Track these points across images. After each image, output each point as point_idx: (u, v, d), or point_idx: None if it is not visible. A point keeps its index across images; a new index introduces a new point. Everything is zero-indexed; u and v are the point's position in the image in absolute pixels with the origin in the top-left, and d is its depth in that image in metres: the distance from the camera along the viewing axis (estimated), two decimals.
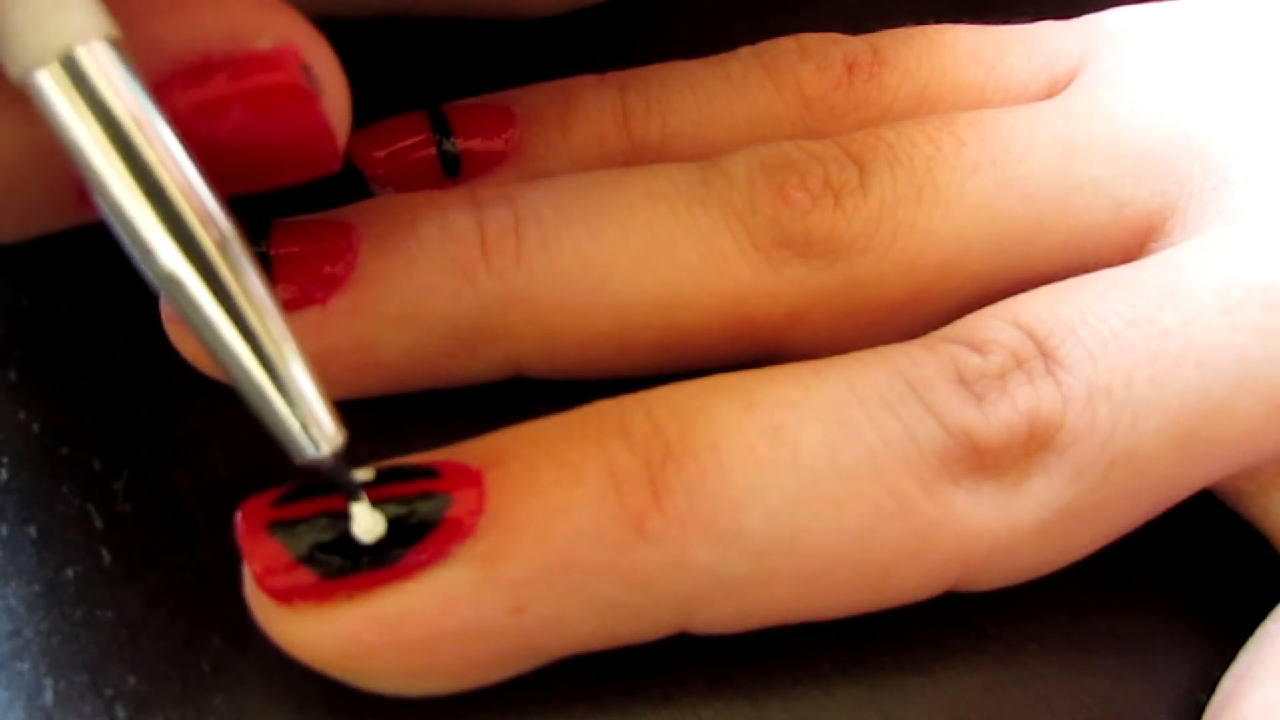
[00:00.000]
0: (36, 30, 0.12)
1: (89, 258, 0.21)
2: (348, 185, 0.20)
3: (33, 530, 0.17)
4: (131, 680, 0.16)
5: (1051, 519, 0.15)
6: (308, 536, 0.14)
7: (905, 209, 0.18)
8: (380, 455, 0.15)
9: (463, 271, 0.17)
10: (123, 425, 0.19)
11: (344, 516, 0.14)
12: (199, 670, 0.16)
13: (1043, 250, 0.18)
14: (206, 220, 0.13)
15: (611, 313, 0.18)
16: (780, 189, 0.18)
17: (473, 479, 0.15)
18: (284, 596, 0.14)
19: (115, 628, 0.16)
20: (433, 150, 0.20)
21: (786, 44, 0.21)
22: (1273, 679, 0.15)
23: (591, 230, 0.18)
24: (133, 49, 0.13)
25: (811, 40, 0.21)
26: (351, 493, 0.14)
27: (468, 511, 0.14)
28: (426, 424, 0.18)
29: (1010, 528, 0.15)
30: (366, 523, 0.14)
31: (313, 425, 0.14)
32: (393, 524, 0.14)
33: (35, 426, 0.19)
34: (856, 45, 0.21)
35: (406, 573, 0.14)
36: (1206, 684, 0.16)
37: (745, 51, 0.21)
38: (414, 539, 0.14)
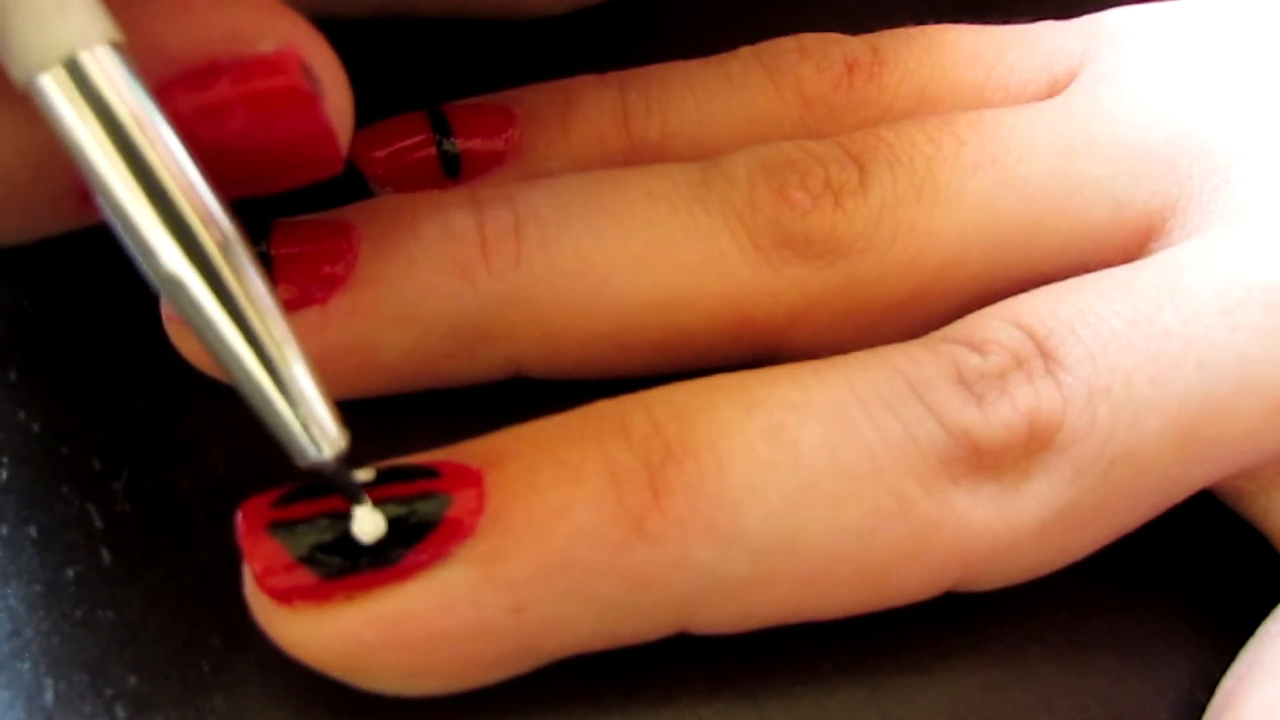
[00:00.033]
0: (39, 34, 0.12)
1: (89, 258, 0.21)
2: (348, 185, 0.20)
3: (33, 530, 0.17)
4: (131, 680, 0.16)
5: (1051, 519, 0.15)
6: (308, 537, 0.14)
7: (905, 209, 0.18)
8: (380, 455, 0.15)
9: (463, 271, 0.17)
10: (123, 425, 0.19)
11: (344, 517, 0.14)
12: (199, 670, 0.16)
13: (1043, 250, 0.18)
14: (209, 222, 0.13)
15: (611, 313, 0.18)
16: (780, 189, 0.18)
17: (473, 479, 0.15)
18: (284, 597, 0.14)
19: (115, 628, 0.16)
20: (433, 150, 0.20)
21: (786, 44, 0.21)
22: (1273, 679, 0.15)
23: (591, 230, 0.18)
24: (135, 53, 0.13)
25: (811, 40, 0.21)
26: (354, 495, 0.14)
27: (468, 511, 0.14)
28: (426, 424, 0.18)
29: (1010, 528, 0.15)
30: (368, 525, 0.14)
31: (315, 427, 0.14)
32: (393, 524, 0.14)
33: (35, 426, 0.19)
34: (856, 45, 0.21)
35: (406, 573, 0.14)
36: (1206, 684, 0.16)
37: (745, 51, 0.21)
38: (414, 539, 0.14)
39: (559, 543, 0.14)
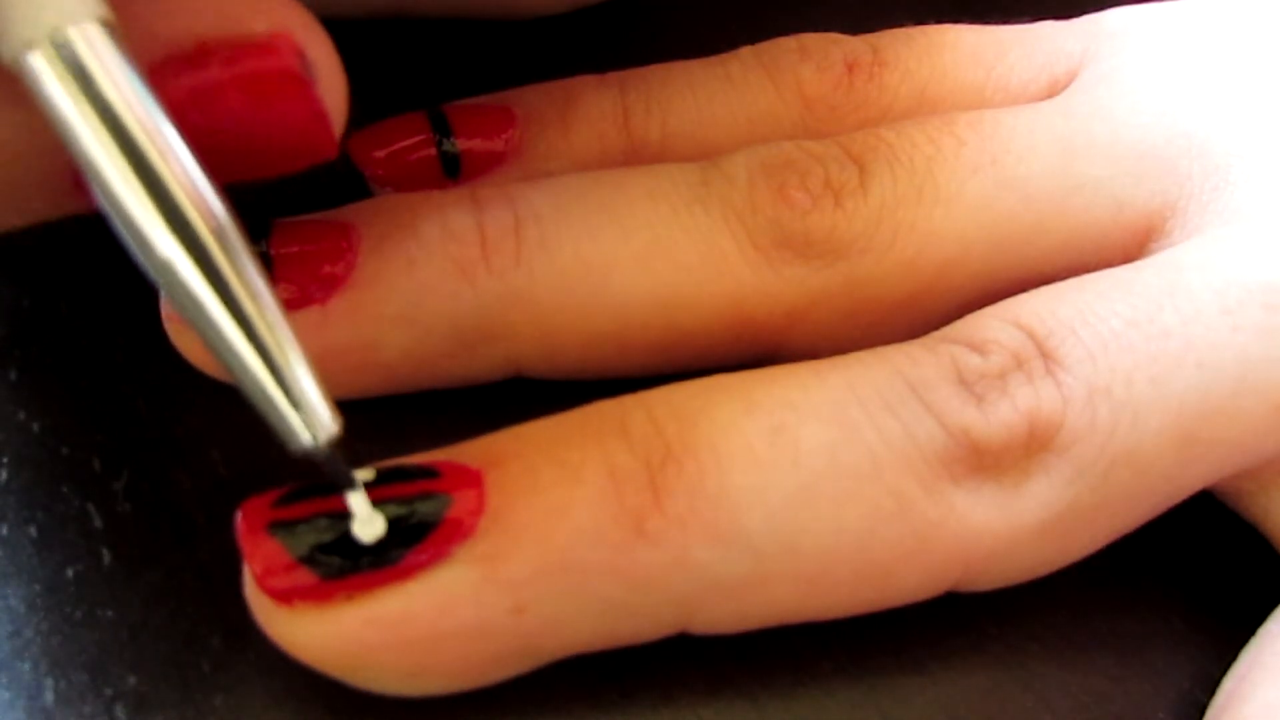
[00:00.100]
0: (28, 11, 0.12)
1: (89, 258, 0.21)
2: (348, 185, 0.20)
3: (33, 530, 0.17)
4: (131, 680, 0.16)
5: (1051, 519, 0.15)
6: (308, 537, 0.14)
7: (905, 209, 0.18)
8: (380, 455, 0.15)
9: (463, 271, 0.17)
10: (123, 425, 0.19)
11: (344, 517, 0.14)
12: (199, 670, 0.16)
13: (1043, 250, 0.18)
14: (201, 206, 0.13)
15: (611, 313, 0.18)
16: (780, 189, 0.18)
17: (473, 479, 0.15)
18: (284, 597, 0.14)
19: (115, 628, 0.16)
20: (433, 150, 0.20)
21: (787, 44, 0.21)
22: (1274, 679, 0.15)
23: (591, 230, 0.18)
24: (125, 34, 0.13)
25: (812, 40, 0.21)
26: (347, 483, 0.14)
27: (468, 512, 0.14)
28: (426, 424, 0.18)
29: (1010, 528, 0.15)
30: (364, 513, 0.14)
31: (309, 413, 0.13)
32: (393, 524, 0.14)
33: (35, 426, 0.19)
34: (857, 45, 0.21)
35: (407, 573, 0.14)
36: (1206, 684, 0.16)
37: (745, 51, 0.21)
38: (414, 539, 0.14)
39: (559, 543, 0.14)
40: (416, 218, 0.18)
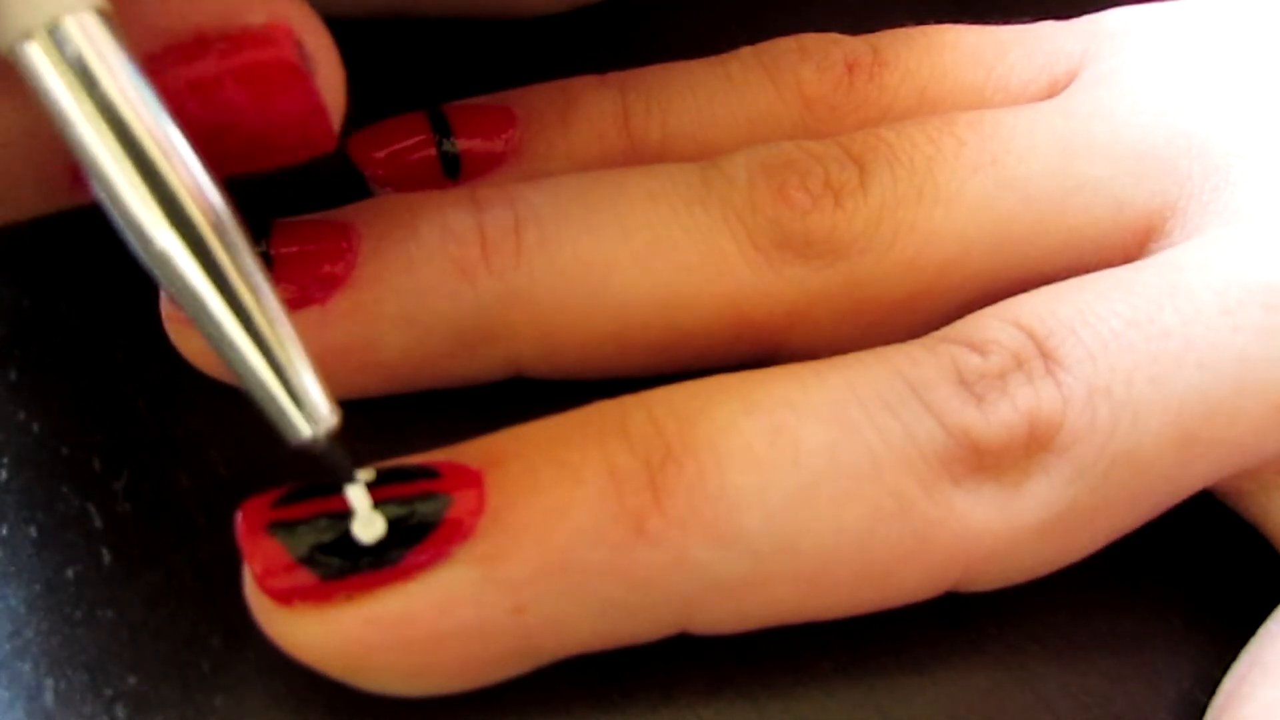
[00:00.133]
0: (25, 1, 0.12)
1: (89, 258, 0.21)
2: (348, 185, 0.20)
3: (33, 530, 0.17)
4: (131, 680, 0.16)
5: (1051, 519, 0.15)
6: (308, 537, 0.14)
7: (905, 209, 0.18)
8: (380, 455, 0.15)
9: (463, 272, 0.17)
10: (123, 425, 0.19)
11: (344, 517, 0.14)
12: (199, 670, 0.16)
13: (1043, 250, 0.18)
14: (199, 197, 0.13)
15: (611, 313, 0.18)
16: (780, 189, 0.18)
17: (473, 479, 0.15)
18: (284, 597, 0.14)
19: (115, 628, 0.16)
20: (433, 150, 0.20)
21: (787, 44, 0.21)
22: (1273, 679, 0.15)
23: (591, 230, 0.18)
24: (124, 24, 0.13)
25: (812, 40, 0.21)
26: (345, 475, 0.14)
27: (468, 512, 0.14)
28: (426, 424, 0.18)
29: (1010, 528, 0.15)
30: (363, 508, 0.14)
31: (307, 406, 0.13)
32: (393, 524, 0.14)
33: (35, 426, 0.19)
34: (857, 45, 0.21)
35: (407, 573, 0.14)
36: (1206, 684, 0.16)
37: (745, 51, 0.21)
38: (414, 540, 0.14)
39: (559, 543, 0.14)
40: (416, 218, 0.18)
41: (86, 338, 0.20)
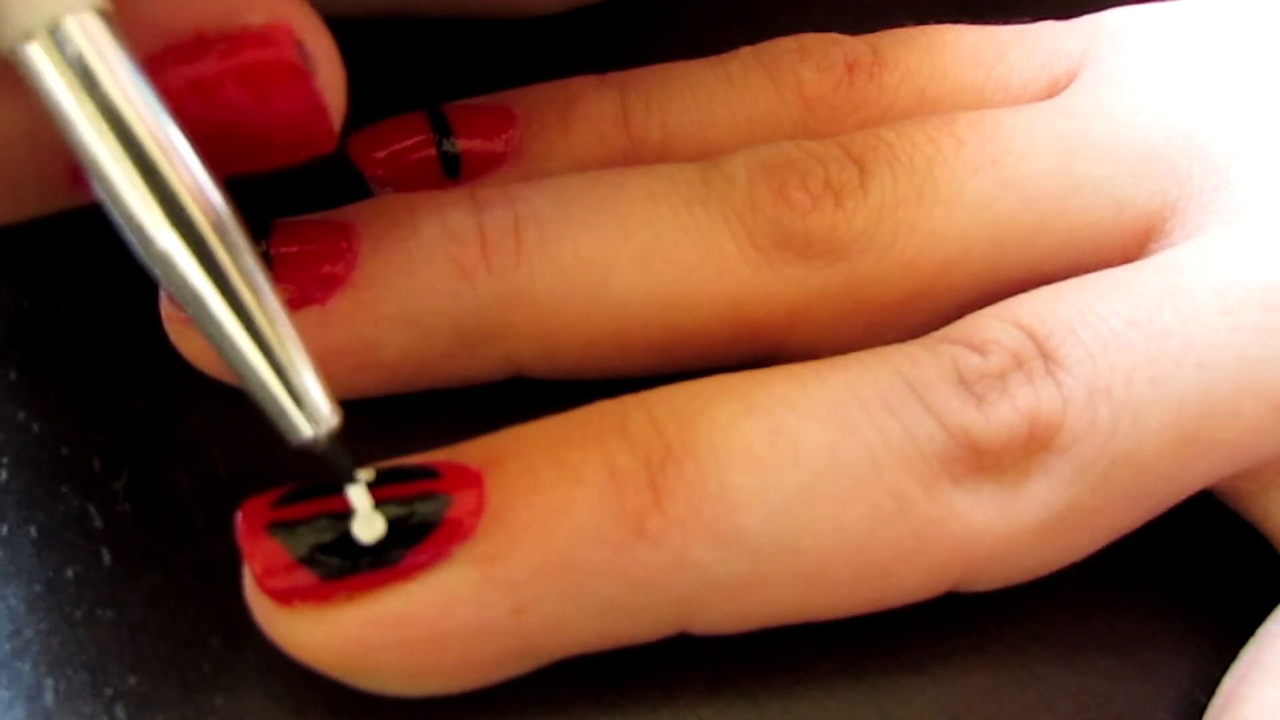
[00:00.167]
0: (26, 1, 0.12)
1: (89, 258, 0.21)
2: (348, 185, 0.20)
3: (33, 530, 0.17)
4: (131, 680, 0.16)
5: (1051, 519, 0.15)
6: (308, 537, 0.14)
7: (905, 209, 0.18)
8: (380, 455, 0.15)
9: (463, 272, 0.17)
10: (123, 425, 0.19)
11: (344, 517, 0.14)
12: (199, 670, 0.16)
13: (1043, 250, 0.18)
14: (200, 197, 0.13)
15: (611, 313, 0.18)
16: (780, 189, 0.18)
17: (473, 480, 0.15)
18: (284, 597, 0.14)
19: (115, 628, 0.16)
20: (433, 150, 0.20)
21: (787, 44, 0.21)
22: (1273, 679, 0.15)
23: (591, 230, 0.18)
24: (124, 24, 0.13)
25: (812, 40, 0.21)
26: (346, 475, 0.14)
27: (468, 512, 0.14)
28: (426, 424, 0.18)
29: (1010, 528, 0.15)
30: (364, 508, 0.14)
31: (308, 406, 0.13)
32: (393, 525, 0.14)
33: (35, 426, 0.19)
34: (857, 45, 0.21)
35: (407, 573, 0.14)
36: (1206, 684, 0.16)
37: (745, 51, 0.21)
38: (414, 540, 0.14)
39: (559, 543, 0.14)
40: (416, 218, 0.18)
41: (86, 338, 0.20)
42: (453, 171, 0.20)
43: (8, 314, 0.20)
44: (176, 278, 0.13)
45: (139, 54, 0.13)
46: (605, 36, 0.25)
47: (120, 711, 0.16)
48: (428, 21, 0.24)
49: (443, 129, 0.20)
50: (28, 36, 0.12)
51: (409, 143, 0.20)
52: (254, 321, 0.13)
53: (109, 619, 0.17)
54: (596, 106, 0.20)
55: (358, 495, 0.14)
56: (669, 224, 0.18)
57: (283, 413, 0.13)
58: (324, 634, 0.14)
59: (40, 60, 0.12)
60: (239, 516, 0.15)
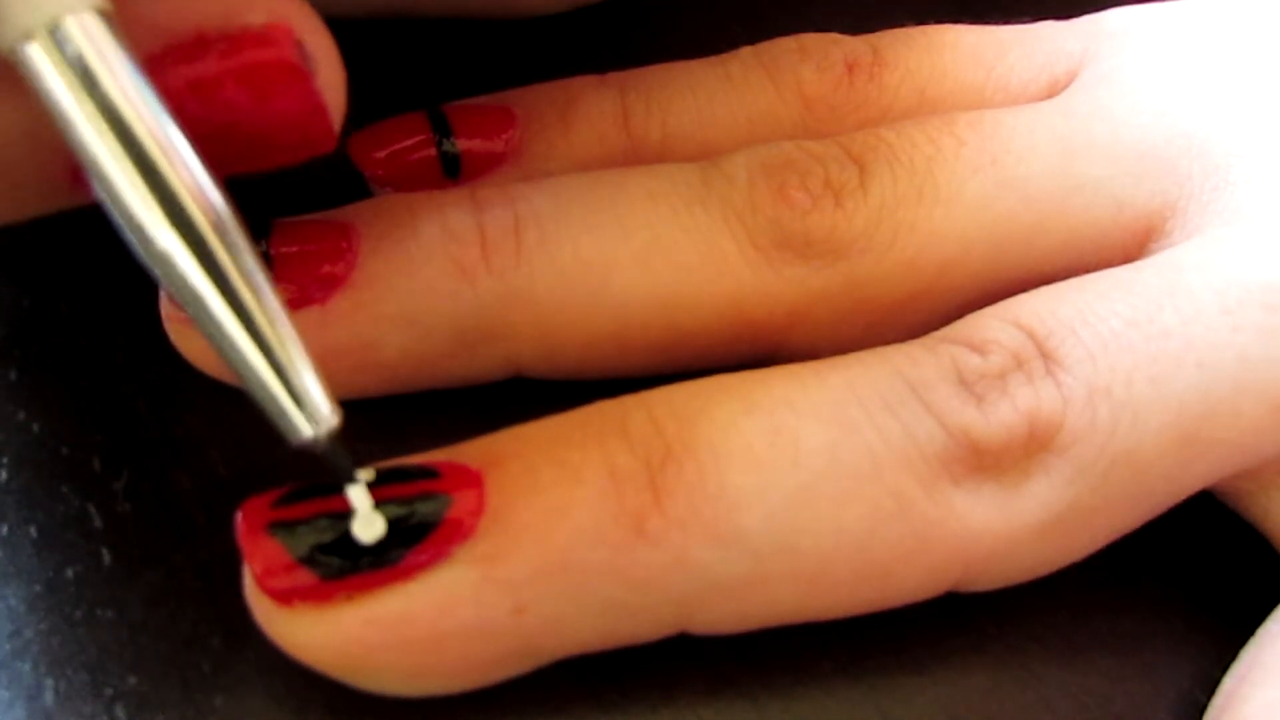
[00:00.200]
0: (25, 1, 0.12)
1: (89, 258, 0.21)
2: (348, 185, 0.20)
3: (33, 530, 0.17)
4: (131, 680, 0.16)
5: (1051, 519, 0.15)
6: (308, 537, 0.14)
7: (905, 209, 0.18)
8: (380, 455, 0.15)
9: (463, 272, 0.17)
10: (123, 425, 0.19)
11: (344, 517, 0.14)
12: (199, 670, 0.16)
13: (1043, 250, 0.18)
14: (200, 197, 0.13)
15: (611, 313, 0.18)
16: (780, 189, 0.18)
17: (473, 480, 0.15)
18: (284, 597, 0.14)
19: (115, 628, 0.16)
20: (433, 150, 0.20)
21: (787, 44, 0.21)
22: (1273, 679, 0.15)
23: (591, 230, 0.18)
24: (124, 24, 0.13)
25: (812, 40, 0.21)
26: (347, 476, 0.14)
27: (468, 512, 0.14)
28: (426, 424, 0.18)
29: (1010, 528, 0.15)
30: (364, 508, 0.14)
31: (309, 406, 0.13)
32: (393, 525, 0.14)
33: (35, 426, 0.19)
34: (857, 45, 0.21)
35: (407, 573, 0.14)
36: (1206, 684, 0.16)
37: (745, 52, 0.21)
38: (414, 540, 0.14)
39: (559, 543, 0.14)
40: (416, 218, 0.18)
41: (86, 338, 0.20)
42: (453, 171, 0.20)
43: (8, 314, 0.20)
44: (177, 278, 0.13)
45: (139, 54, 0.13)
46: (605, 36, 0.25)
47: (120, 711, 0.16)
48: (428, 21, 0.24)
49: (443, 129, 0.20)
50: (28, 36, 0.12)
51: (409, 143, 0.20)
52: (254, 322, 0.13)
53: (109, 619, 0.17)
54: (596, 106, 0.20)
55: (358, 495, 0.14)
56: (669, 224, 0.18)
57: (283, 413, 0.13)
58: (324, 634, 0.14)
59: (40, 60, 0.12)
60: (239, 516, 0.15)
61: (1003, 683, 0.16)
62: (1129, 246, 0.18)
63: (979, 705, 0.16)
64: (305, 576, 0.14)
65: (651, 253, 0.17)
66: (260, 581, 0.14)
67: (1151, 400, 0.15)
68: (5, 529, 0.17)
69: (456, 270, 0.17)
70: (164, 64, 0.14)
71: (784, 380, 0.16)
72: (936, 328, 0.17)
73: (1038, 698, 0.16)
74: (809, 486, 0.15)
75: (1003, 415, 0.15)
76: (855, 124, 0.20)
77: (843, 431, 0.15)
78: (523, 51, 0.24)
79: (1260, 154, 0.17)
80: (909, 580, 0.15)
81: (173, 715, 0.16)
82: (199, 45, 0.14)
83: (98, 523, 0.18)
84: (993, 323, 0.16)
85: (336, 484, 0.14)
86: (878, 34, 0.21)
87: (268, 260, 0.17)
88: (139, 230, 0.13)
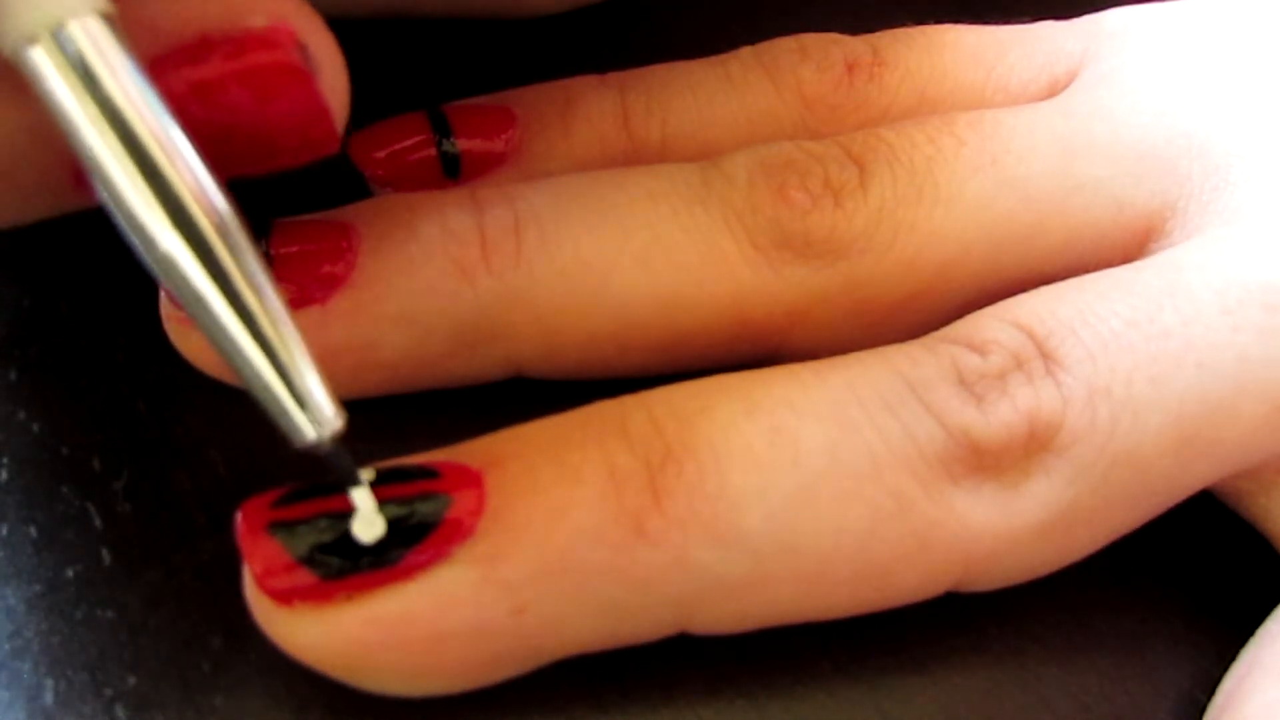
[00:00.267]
0: (28, 4, 0.12)
1: (89, 258, 0.21)
2: (348, 185, 0.20)
3: (33, 530, 0.17)
4: (131, 680, 0.16)
5: (1051, 520, 0.15)
6: (308, 537, 0.14)
7: (905, 209, 0.18)
8: (380, 455, 0.15)
9: (463, 272, 0.17)
10: (123, 425, 0.19)
11: (344, 517, 0.14)
12: (199, 670, 0.16)
13: (1043, 250, 0.18)
14: (203, 199, 0.13)
15: (611, 313, 0.18)
16: (780, 189, 0.18)
17: (473, 479, 0.15)
18: (284, 597, 0.14)
19: (115, 628, 0.16)
20: (433, 150, 0.20)
21: (787, 44, 0.21)
22: (1273, 679, 0.15)
23: (591, 230, 0.18)
24: (126, 27, 0.13)
25: (812, 41, 0.21)
26: (350, 478, 0.14)
27: (468, 512, 0.14)
28: (426, 424, 0.18)
29: (1010, 528, 0.15)
30: (368, 510, 0.14)
31: (312, 408, 0.13)
32: (393, 525, 0.14)
33: (35, 426, 0.19)
34: (857, 45, 0.21)
35: (407, 573, 0.14)
36: (1206, 684, 0.16)
37: (745, 52, 0.21)
38: (414, 540, 0.14)
39: (559, 543, 0.14)
40: (416, 218, 0.18)
41: (86, 338, 0.20)
42: (453, 171, 0.20)
43: (8, 314, 0.20)
44: (180, 280, 0.13)
45: (141, 56, 0.13)
46: (605, 36, 0.25)
47: (120, 711, 0.16)
48: (428, 21, 0.24)
49: (443, 129, 0.20)
50: (31, 39, 0.12)
51: (409, 143, 0.20)
52: (258, 324, 0.13)
53: (109, 619, 0.17)
54: (596, 106, 0.20)
55: (359, 495, 0.14)
56: (669, 224, 0.18)
57: (286, 415, 0.13)
58: (324, 634, 0.14)
59: (43, 63, 0.12)
60: (239, 516, 0.15)
61: (1003, 683, 0.16)
62: (1129, 246, 0.18)
63: (979, 705, 0.16)
64: (305, 576, 0.14)
65: (651, 253, 0.17)
66: (260, 581, 0.14)
67: (1151, 400, 0.15)
68: (5, 529, 0.17)
69: (456, 270, 0.17)
70: (166, 66, 0.14)
71: (784, 380, 0.16)
72: (936, 328, 0.17)
73: (1038, 698, 0.16)
74: (809, 487, 0.15)
75: (1003, 415, 0.15)
76: (855, 124, 0.20)
77: (843, 431, 0.15)
78: (523, 51, 0.24)
79: (1260, 154, 0.17)
80: (909, 580, 0.15)
81: (173, 715, 0.16)
82: (201, 47, 0.14)
83: (98, 523, 0.18)
84: (992, 323, 0.16)
85: (338, 484, 0.14)
86: (878, 34, 0.21)
87: (268, 260, 0.17)
88: (142, 233, 0.13)
